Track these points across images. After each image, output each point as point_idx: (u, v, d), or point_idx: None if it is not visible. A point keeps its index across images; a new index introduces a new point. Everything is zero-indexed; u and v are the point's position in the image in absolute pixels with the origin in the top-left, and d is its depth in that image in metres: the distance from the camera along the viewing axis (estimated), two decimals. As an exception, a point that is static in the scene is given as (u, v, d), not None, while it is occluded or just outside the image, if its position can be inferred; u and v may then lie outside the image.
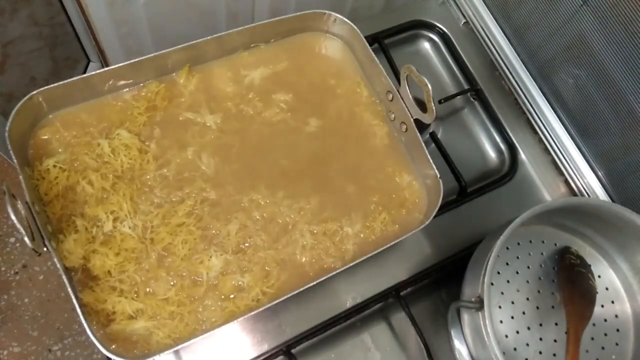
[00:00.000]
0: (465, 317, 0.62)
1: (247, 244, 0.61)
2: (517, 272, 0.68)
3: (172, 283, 0.58)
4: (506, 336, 0.65)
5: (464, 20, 0.87)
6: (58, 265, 0.53)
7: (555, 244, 0.71)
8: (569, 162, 0.79)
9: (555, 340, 0.66)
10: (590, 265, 0.68)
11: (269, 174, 0.65)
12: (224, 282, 0.58)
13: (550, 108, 0.81)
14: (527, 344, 0.65)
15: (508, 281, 0.68)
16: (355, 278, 0.67)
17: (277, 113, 0.68)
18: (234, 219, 0.61)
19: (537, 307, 0.67)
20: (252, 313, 0.54)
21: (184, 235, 0.59)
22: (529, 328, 0.66)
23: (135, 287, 0.57)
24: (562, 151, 0.80)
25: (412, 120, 0.64)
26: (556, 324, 0.66)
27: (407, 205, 0.66)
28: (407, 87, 0.64)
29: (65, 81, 0.58)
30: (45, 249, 0.52)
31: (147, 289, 0.57)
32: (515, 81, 0.83)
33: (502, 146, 0.80)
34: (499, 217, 0.69)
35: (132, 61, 0.61)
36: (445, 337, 0.66)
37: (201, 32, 0.64)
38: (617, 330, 0.68)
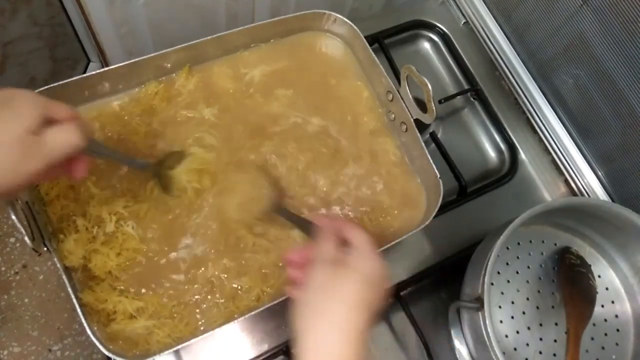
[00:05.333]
0: (465, 317, 0.62)
1: (247, 244, 0.61)
2: (517, 272, 0.68)
3: (173, 282, 0.58)
4: (506, 336, 0.65)
5: (464, 20, 0.87)
6: (58, 265, 0.53)
7: (555, 244, 0.71)
8: (569, 162, 0.79)
9: (555, 340, 0.66)
10: (590, 265, 0.68)
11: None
12: (225, 282, 0.58)
13: (550, 108, 0.81)
14: (527, 344, 0.65)
15: (508, 281, 0.68)
16: (355, 278, 0.67)
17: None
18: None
19: (537, 307, 0.67)
20: (252, 313, 0.54)
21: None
22: (529, 328, 0.66)
23: (136, 287, 0.57)
24: (562, 151, 0.80)
25: (412, 120, 0.64)
26: (556, 324, 0.66)
27: (407, 205, 0.66)
28: (407, 87, 0.64)
29: (65, 81, 0.58)
30: (45, 248, 0.52)
31: (148, 289, 0.57)
32: (515, 81, 0.83)
33: (502, 146, 0.80)
34: (499, 217, 0.69)
35: (132, 61, 0.61)
36: (445, 337, 0.66)
37: (201, 32, 0.64)
38: (617, 330, 0.68)
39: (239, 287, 0.58)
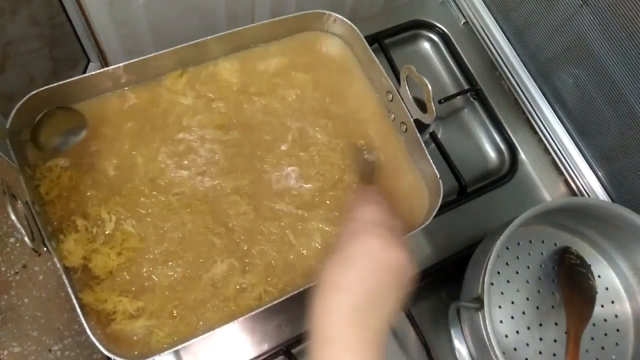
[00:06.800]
0: (465, 317, 0.62)
1: (251, 244, 0.61)
2: (517, 272, 0.68)
3: (174, 283, 0.58)
4: (506, 336, 0.65)
5: (464, 20, 0.87)
6: (58, 265, 0.53)
7: (555, 244, 0.71)
8: (569, 162, 0.79)
9: (555, 340, 0.66)
10: (590, 265, 0.68)
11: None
12: (227, 283, 0.58)
13: (550, 108, 0.81)
14: (527, 344, 0.65)
15: (508, 281, 0.68)
16: (355, 278, 0.67)
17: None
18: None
19: (537, 307, 0.67)
20: (253, 313, 0.54)
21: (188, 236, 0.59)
22: (529, 328, 0.66)
23: (137, 287, 0.57)
24: (562, 151, 0.80)
25: (412, 120, 0.64)
26: (556, 324, 0.66)
27: (407, 205, 0.66)
28: (407, 87, 0.64)
29: (65, 81, 0.58)
30: (45, 249, 0.52)
31: (149, 288, 0.57)
32: (515, 81, 0.83)
33: (502, 146, 0.80)
34: (499, 217, 0.70)
35: (131, 61, 0.61)
36: (445, 337, 0.66)
37: (201, 33, 0.64)
38: (617, 330, 0.68)
39: (242, 286, 0.58)
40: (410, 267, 0.45)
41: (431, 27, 0.85)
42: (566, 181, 0.80)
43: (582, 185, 0.79)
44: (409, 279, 0.45)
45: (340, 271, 0.44)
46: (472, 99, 0.82)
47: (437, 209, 0.60)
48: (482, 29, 0.86)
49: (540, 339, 0.65)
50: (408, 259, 0.45)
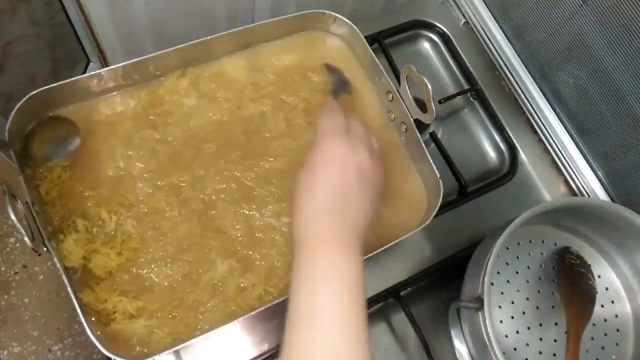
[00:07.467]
0: (465, 317, 0.62)
1: (253, 247, 0.61)
2: (517, 272, 0.68)
3: (174, 283, 0.58)
4: (506, 336, 0.65)
5: (464, 20, 0.87)
6: (58, 265, 0.53)
7: (555, 244, 0.71)
8: (569, 162, 0.79)
9: (555, 340, 0.66)
10: (590, 265, 0.68)
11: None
12: (227, 283, 0.58)
13: (550, 108, 0.81)
14: (527, 344, 0.65)
15: (508, 281, 0.68)
16: (355, 278, 0.67)
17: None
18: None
19: (537, 307, 0.67)
20: (254, 312, 0.54)
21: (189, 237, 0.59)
22: (529, 328, 0.66)
23: (136, 287, 0.57)
24: (562, 151, 0.80)
25: (412, 120, 0.64)
26: (556, 324, 0.66)
27: (407, 205, 0.66)
28: (407, 87, 0.64)
29: (65, 81, 0.58)
30: (45, 249, 0.52)
31: (149, 288, 0.57)
32: (515, 81, 0.83)
33: (502, 146, 0.80)
34: (499, 217, 0.70)
35: (131, 61, 0.61)
36: (445, 337, 0.66)
37: (201, 33, 0.64)
38: (617, 330, 0.68)
39: (242, 285, 0.58)
40: (376, 169, 0.49)
41: (431, 27, 0.85)
42: (566, 181, 0.80)
43: (582, 185, 0.79)
44: (378, 179, 0.49)
45: (309, 177, 0.47)
46: (472, 99, 0.82)
47: (437, 209, 0.60)
48: (482, 29, 0.86)
49: (540, 339, 0.65)
50: (372, 160, 0.49)
